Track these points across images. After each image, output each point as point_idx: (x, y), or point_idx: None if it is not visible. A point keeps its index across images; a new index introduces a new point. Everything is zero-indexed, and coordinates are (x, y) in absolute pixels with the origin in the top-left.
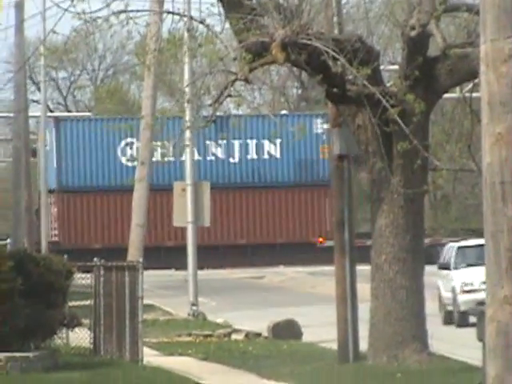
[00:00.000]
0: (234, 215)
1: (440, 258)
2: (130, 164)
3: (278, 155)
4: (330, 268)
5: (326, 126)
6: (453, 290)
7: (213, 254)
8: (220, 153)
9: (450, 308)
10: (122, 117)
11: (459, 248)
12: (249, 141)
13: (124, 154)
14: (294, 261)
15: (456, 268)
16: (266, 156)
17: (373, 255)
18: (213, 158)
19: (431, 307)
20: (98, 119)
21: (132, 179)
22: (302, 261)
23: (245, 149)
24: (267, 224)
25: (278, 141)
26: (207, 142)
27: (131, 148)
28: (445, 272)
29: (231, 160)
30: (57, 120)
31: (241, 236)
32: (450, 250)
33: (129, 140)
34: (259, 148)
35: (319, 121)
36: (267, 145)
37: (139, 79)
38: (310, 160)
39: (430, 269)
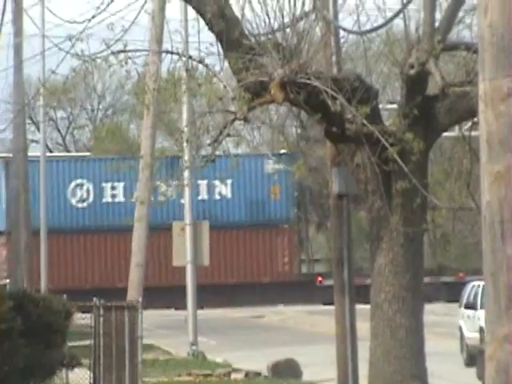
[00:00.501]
0: None
1: (462, 297)
2: (79, 205)
3: (229, 195)
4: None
5: (276, 167)
6: (481, 331)
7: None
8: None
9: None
10: (72, 156)
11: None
12: (200, 181)
13: (74, 195)
14: (243, 303)
15: (483, 308)
16: (217, 196)
17: (372, 294)
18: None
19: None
20: (48, 160)
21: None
22: (249, 302)
23: (195, 189)
24: (218, 264)
25: (229, 181)
26: (157, 183)
27: (81, 189)
28: (470, 312)
29: (182, 201)
30: (6, 160)
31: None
32: (475, 288)
33: (79, 181)
34: (210, 188)
35: (270, 161)
36: (218, 185)
37: (138, 118)
38: (262, 200)
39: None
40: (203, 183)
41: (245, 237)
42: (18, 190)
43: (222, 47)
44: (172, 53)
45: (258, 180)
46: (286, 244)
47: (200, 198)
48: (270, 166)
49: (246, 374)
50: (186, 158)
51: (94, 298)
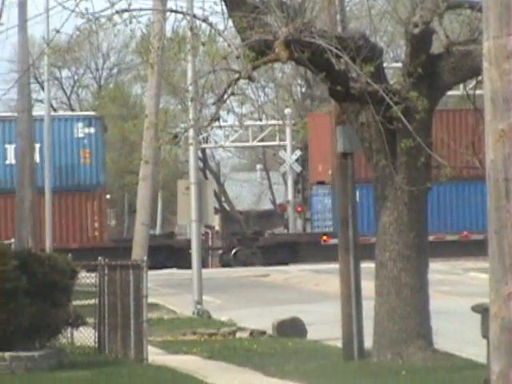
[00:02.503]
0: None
1: None
2: None
3: (38, 160)
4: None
5: (87, 131)
6: None
7: None
8: None
9: None
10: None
11: None
12: (7, 146)
13: None
14: None
15: None
16: None
17: (377, 253)
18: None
19: None
20: None
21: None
22: None
23: (3, 153)
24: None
25: (38, 145)
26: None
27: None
28: None
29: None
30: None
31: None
32: None
33: None
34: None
35: (80, 125)
36: None
37: (142, 80)
38: (71, 165)
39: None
40: (11, 147)
41: (53, 202)
42: (24, 150)
43: (226, 6)
44: (176, 11)
45: (68, 144)
46: (96, 209)
47: (8, 162)
48: (80, 129)
49: (251, 333)
50: (191, 116)
51: (99, 257)
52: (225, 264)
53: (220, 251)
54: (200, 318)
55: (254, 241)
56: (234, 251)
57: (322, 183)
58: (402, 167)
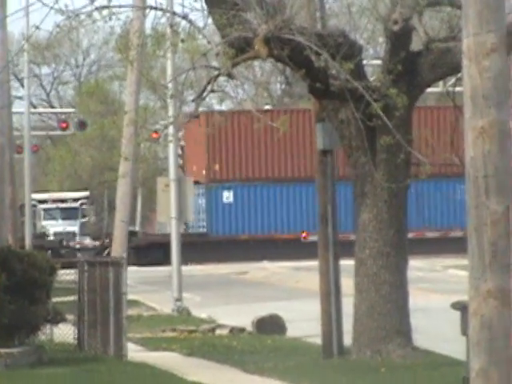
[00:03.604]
0: None
1: None
2: None
3: None
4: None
5: None
6: None
7: None
8: None
9: None
10: None
11: None
12: None
13: None
14: None
15: None
16: None
17: (356, 250)
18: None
19: None
20: None
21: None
22: None
23: None
24: None
25: None
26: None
27: None
28: None
29: None
30: None
31: None
32: None
33: None
34: None
35: None
36: None
37: (120, 79)
38: None
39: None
40: None
41: None
42: (3, 147)
43: (206, 3)
44: (156, 8)
45: None
46: None
47: None
48: None
49: (231, 330)
50: (170, 113)
51: (79, 254)
52: None
53: (94, 251)
54: (180, 315)
55: (128, 241)
56: (106, 251)
57: (196, 183)
58: (382, 164)
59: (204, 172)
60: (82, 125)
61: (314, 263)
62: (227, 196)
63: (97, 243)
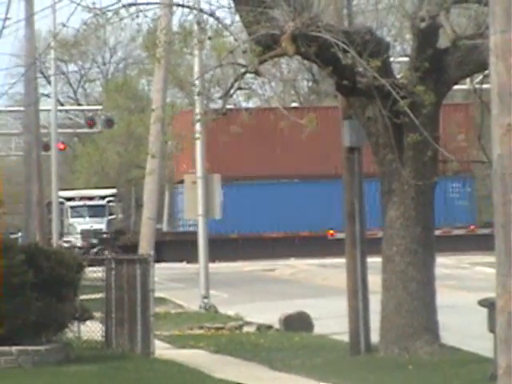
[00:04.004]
0: None
1: None
2: None
3: None
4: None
5: None
6: None
7: None
8: None
9: None
10: None
11: None
12: None
13: None
14: None
15: None
16: None
17: (384, 247)
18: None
19: None
20: None
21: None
22: None
23: None
24: None
25: None
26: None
27: None
28: None
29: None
30: None
31: None
32: None
33: None
34: None
35: None
36: None
37: (148, 74)
38: None
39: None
40: None
41: None
42: (30, 144)
43: (233, 0)
44: (183, 6)
45: None
46: None
47: None
48: None
49: (258, 327)
50: (197, 110)
51: (106, 251)
52: None
53: (81, 250)
54: (207, 313)
55: (115, 240)
56: (95, 250)
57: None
58: (409, 161)
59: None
60: (108, 122)
61: (341, 260)
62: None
63: (85, 242)
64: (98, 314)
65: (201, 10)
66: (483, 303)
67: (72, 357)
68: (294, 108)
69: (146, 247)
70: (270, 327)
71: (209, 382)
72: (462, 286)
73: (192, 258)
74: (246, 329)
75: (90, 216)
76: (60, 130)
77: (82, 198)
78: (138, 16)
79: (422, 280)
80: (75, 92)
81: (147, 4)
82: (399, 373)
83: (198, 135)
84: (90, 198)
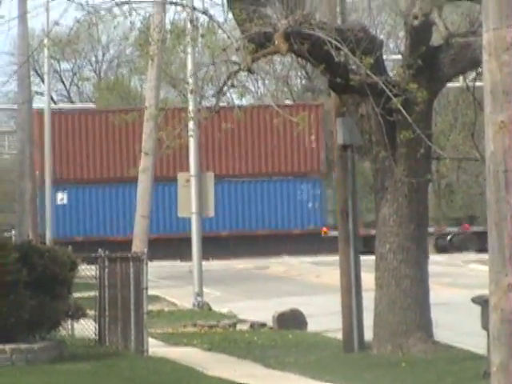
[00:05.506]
0: None
1: None
2: None
3: None
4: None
5: None
6: None
7: None
8: None
9: None
10: None
11: None
12: None
13: None
14: None
15: None
16: None
17: (377, 245)
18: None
19: None
20: None
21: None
22: None
23: None
24: None
25: None
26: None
27: None
28: None
29: None
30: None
31: None
32: None
33: None
34: None
35: None
36: None
37: (139, 73)
38: None
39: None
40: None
41: None
42: (23, 142)
43: None
44: (176, 4)
45: None
46: None
47: None
48: None
49: (252, 325)
50: (191, 108)
51: (99, 249)
52: None
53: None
54: (200, 310)
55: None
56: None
57: None
58: (402, 159)
59: None
60: None
61: (334, 258)
62: None
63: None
64: (91, 312)
65: (194, 8)
66: (477, 300)
67: (65, 355)
68: (287, 106)
69: (139, 245)
70: (263, 325)
71: (202, 379)
72: (455, 283)
73: (185, 255)
74: (239, 326)
75: None
76: None
77: None
78: (131, 14)
79: (415, 277)
80: (68, 90)
81: (140, 2)
82: (392, 370)
83: (191, 133)
84: None
